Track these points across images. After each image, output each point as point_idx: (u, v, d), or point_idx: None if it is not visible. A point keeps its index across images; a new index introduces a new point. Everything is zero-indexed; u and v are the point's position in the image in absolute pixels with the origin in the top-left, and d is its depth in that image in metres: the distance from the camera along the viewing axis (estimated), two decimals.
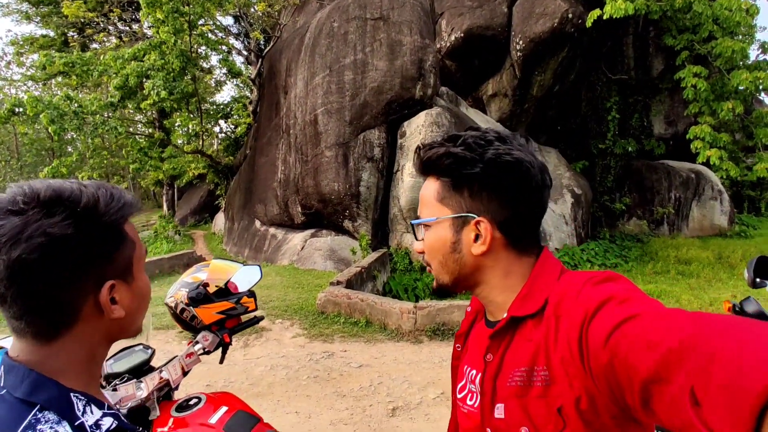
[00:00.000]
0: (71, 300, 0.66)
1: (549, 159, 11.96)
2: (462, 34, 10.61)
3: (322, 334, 5.33)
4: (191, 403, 1.47)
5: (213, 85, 18.81)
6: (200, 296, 1.60)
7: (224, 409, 1.44)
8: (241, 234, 12.47)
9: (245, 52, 17.43)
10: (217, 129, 19.85)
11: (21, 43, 17.26)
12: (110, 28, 16.49)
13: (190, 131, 14.56)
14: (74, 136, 12.28)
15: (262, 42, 16.64)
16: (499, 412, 0.76)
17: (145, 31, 15.12)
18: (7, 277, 0.61)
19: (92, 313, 0.68)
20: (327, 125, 9.31)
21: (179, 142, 16.64)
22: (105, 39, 16.24)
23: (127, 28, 16.68)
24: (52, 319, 0.66)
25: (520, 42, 10.20)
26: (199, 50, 12.13)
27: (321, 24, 9.93)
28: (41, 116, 9.10)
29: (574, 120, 12.73)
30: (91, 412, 0.68)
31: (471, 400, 0.87)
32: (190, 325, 1.64)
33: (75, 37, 16.02)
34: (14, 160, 21.26)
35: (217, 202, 16.66)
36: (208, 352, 1.63)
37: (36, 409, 0.62)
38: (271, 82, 12.18)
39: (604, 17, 8.57)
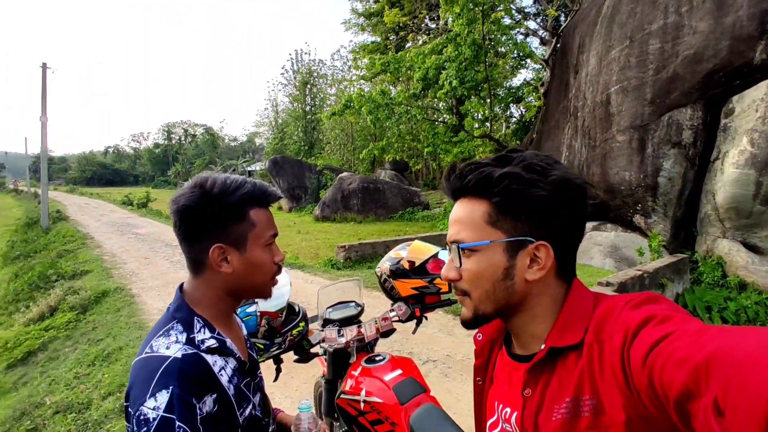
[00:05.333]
0: (199, 250, 0.97)
1: None
2: None
3: None
4: (377, 358, 1.69)
5: (508, 69, 18.97)
6: (399, 271, 1.79)
7: (399, 371, 1.60)
8: None
9: (540, 32, 16.88)
10: (507, 113, 20.06)
11: (357, 50, 21.78)
12: (422, 26, 18.75)
13: (481, 116, 15.22)
14: (388, 124, 14.57)
15: (563, 18, 15.76)
16: None
17: (447, 26, 16.52)
18: (174, 227, 0.98)
19: (212, 265, 0.97)
20: (621, 105, 8.12)
21: (475, 126, 17.64)
22: (416, 38, 18.57)
23: (435, 26, 18.60)
24: (192, 261, 0.99)
25: None
26: (493, 36, 12.39)
27: None
28: (363, 108, 11.24)
29: None
30: (204, 332, 0.96)
31: None
32: (391, 295, 1.85)
33: (392, 39, 18.92)
34: (349, 143, 27.15)
35: None
36: (401, 321, 1.81)
37: (175, 321, 0.95)
38: (562, 61, 11.43)
39: None
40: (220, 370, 0.94)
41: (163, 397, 0.81)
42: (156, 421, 0.80)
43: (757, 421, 0.40)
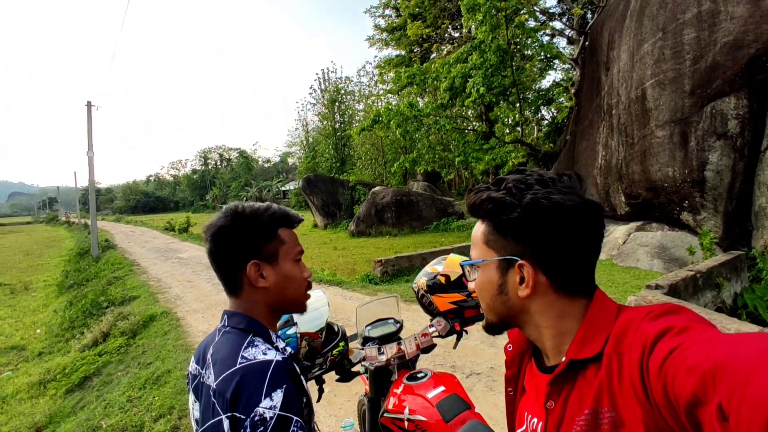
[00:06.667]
0: (235, 269, 1.02)
1: None
2: None
3: None
4: (419, 375, 1.67)
5: (536, 71, 18.68)
6: (435, 286, 1.76)
7: (442, 388, 1.57)
8: None
9: (567, 32, 16.58)
10: (538, 116, 19.72)
11: (382, 65, 22.03)
12: (446, 37, 18.78)
13: (511, 121, 15.02)
14: (417, 136, 14.57)
15: (589, 16, 15.46)
16: None
17: (471, 34, 16.51)
18: (209, 253, 1.04)
19: (249, 282, 1.02)
20: (658, 99, 7.83)
21: (506, 132, 17.42)
22: (440, 49, 18.61)
23: (458, 35, 18.60)
24: (230, 282, 1.03)
25: None
26: (518, 40, 12.26)
27: None
28: (391, 122, 11.31)
29: None
30: (280, 342, 1.03)
31: None
32: (429, 310, 1.82)
33: (417, 51, 19.04)
34: (380, 157, 27.34)
35: None
36: (441, 336, 1.77)
37: (251, 335, 0.98)
38: (591, 59, 11.17)
39: None
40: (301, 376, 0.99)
41: (278, 396, 0.85)
42: (273, 420, 0.83)
43: (760, 425, 0.40)
